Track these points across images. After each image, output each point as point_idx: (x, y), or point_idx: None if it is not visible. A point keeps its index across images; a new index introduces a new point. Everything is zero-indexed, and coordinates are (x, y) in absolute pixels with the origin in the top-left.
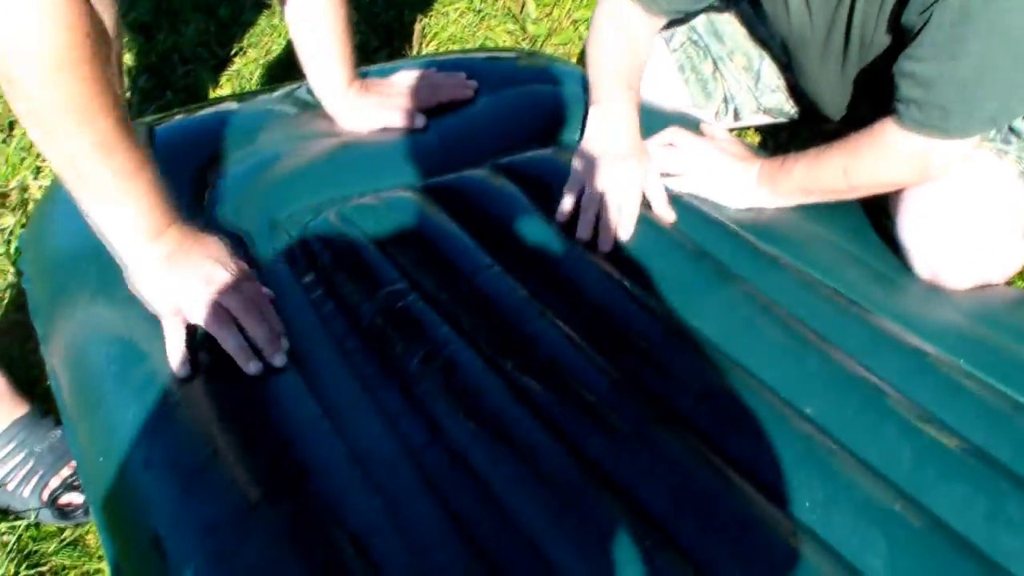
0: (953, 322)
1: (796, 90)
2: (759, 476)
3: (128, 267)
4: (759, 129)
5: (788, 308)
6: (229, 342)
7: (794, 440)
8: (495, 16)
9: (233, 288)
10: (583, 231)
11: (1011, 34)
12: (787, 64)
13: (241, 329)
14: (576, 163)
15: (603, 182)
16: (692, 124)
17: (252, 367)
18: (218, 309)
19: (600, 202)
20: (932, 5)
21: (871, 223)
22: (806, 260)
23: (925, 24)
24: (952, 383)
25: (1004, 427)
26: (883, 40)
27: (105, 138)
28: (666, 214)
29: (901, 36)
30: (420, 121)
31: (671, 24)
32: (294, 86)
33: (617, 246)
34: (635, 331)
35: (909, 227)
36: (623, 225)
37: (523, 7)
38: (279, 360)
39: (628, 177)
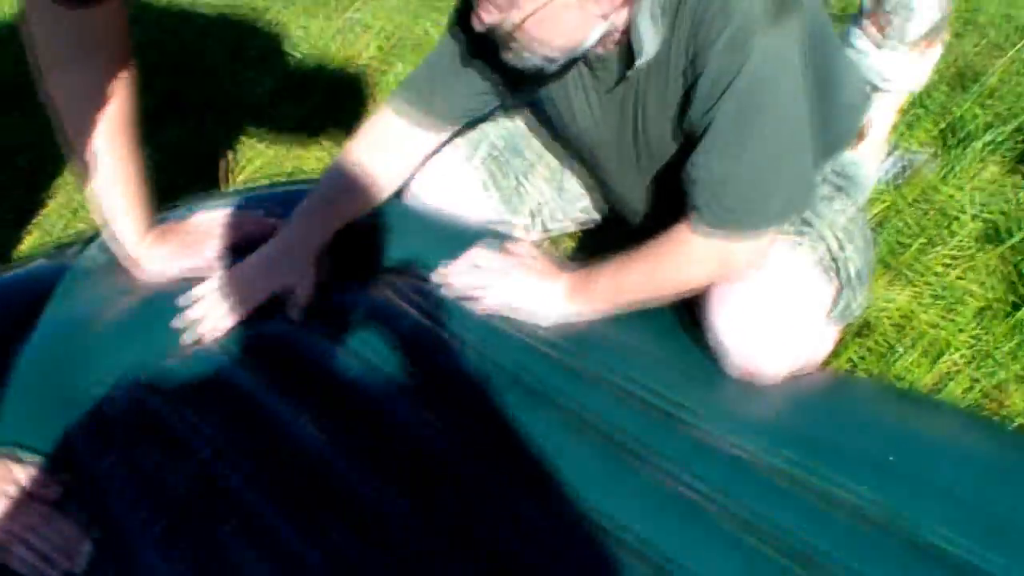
0: (768, 418)
1: (601, 196)
2: None
3: None
4: (570, 236)
5: (605, 425)
6: (15, 564)
7: (619, 565)
8: (305, 142)
9: (15, 511)
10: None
11: (786, 133)
12: (589, 172)
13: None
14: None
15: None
16: (498, 240)
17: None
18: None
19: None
20: (710, 110)
21: (680, 324)
22: (620, 372)
23: (707, 128)
24: (772, 486)
25: (823, 525)
26: (671, 143)
27: None
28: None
29: (688, 140)
30: (220, 266)
31: (471, 139)
32: (90, 238)
33: (430, 379)
34: (448, 467)
35: (717, 325)
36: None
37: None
38: (79, 566)
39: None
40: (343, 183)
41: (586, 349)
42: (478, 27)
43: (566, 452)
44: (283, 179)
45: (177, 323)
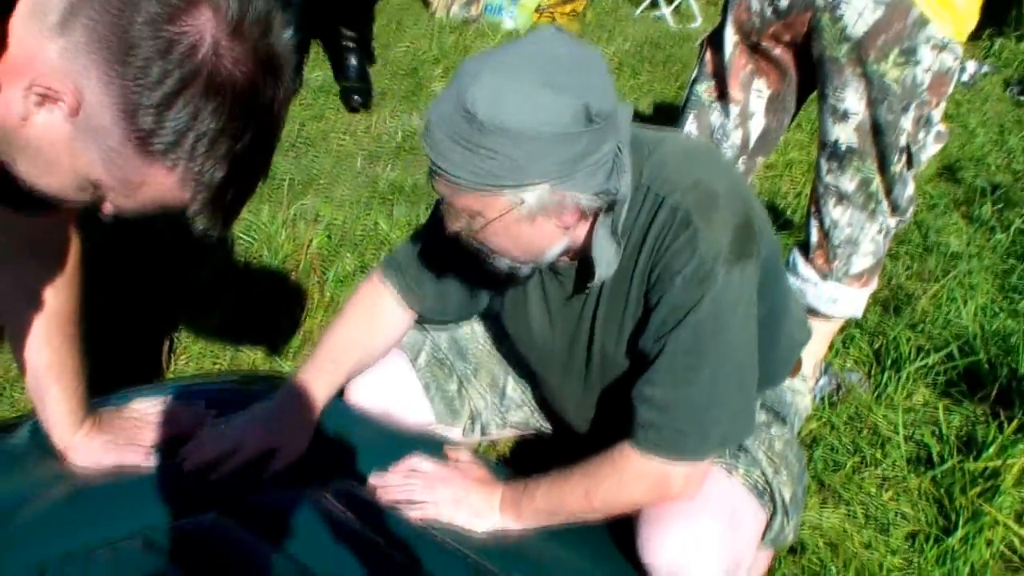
0: None
1: (542, 404)
2: None
3: None
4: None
5: None
6: None
7: None
8: (247, 329)
9: None
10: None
11: (735, 365)
12: (531, 379)
13: None
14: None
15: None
16: (436, 445)
17: None
18: None
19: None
20: (667, 334)
21: (614, 543)
22: None
23: (660, 351)
24: None
25: None
26: (622, 361)
27: None
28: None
29: (639, 359)
30: (155, 458)
31: (414, 340)
32: (23, 421)
33: None
34: None
35: (651, 546)
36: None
37: (274, 322)
38: None
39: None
40: (342, 348)
41: (521, 565)
42: (448, 232)
43: None
44: (222, 370)
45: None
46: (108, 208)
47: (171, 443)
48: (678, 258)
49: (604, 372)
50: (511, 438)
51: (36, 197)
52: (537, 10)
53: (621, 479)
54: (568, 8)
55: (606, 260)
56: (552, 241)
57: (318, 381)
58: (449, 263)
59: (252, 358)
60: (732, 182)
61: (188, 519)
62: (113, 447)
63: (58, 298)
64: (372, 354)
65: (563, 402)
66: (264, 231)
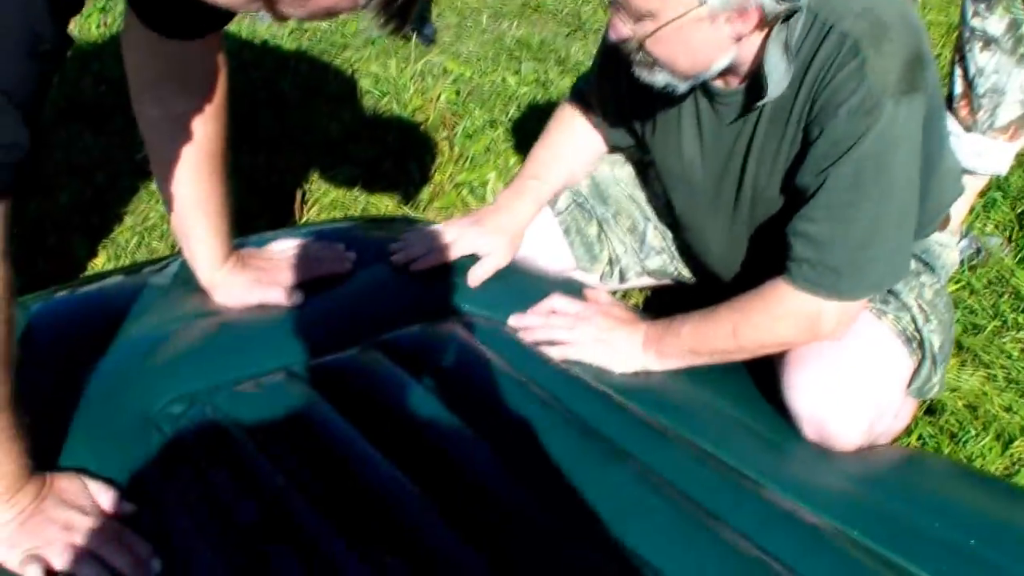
0: (843, 489)
1: (683, 250)
2: None
3: None
4: (641, 291)
5: (679, 485)
6: None
7: None
8: (376, 182)
9: (89, 526)
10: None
11: (896, 204)
12: (673, 223)
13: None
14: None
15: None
16: (575, 289)
17: None
18: (73, 549)
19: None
20: (828, 168)
21: (757, 386)
22: (695, 430)
23: (820, 186)
24: (847, 559)
25: None
26: (774, 196)
27: None
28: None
29: (793, 194)
30: (297, 298)
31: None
32: (169, 259)
33: (505, 426)
34: (523, 516)
35: (796, 389)
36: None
37: (405, 172)
38: None
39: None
40: (544, 165)
41: (664, 405)
42: (611, 38)
43: (641, 508)
44: (355, 216)
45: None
46: (278, 14)
47: (311, 283)
48: (843, 88)
49: (753, 208)
50: (646, 289)
51: (184, 19)
52: None
53: (771, 315)
54: None
55: (776, 77)
56: (721, 51)
57: (524, 196)
58: (608, 90)
59: (382, 209)
60: (903, 12)
61: (329, 356)
62: (256, 285)
63: (206, 131)
64: (573, 171)
65: (706, 243)
66: (392, 84)
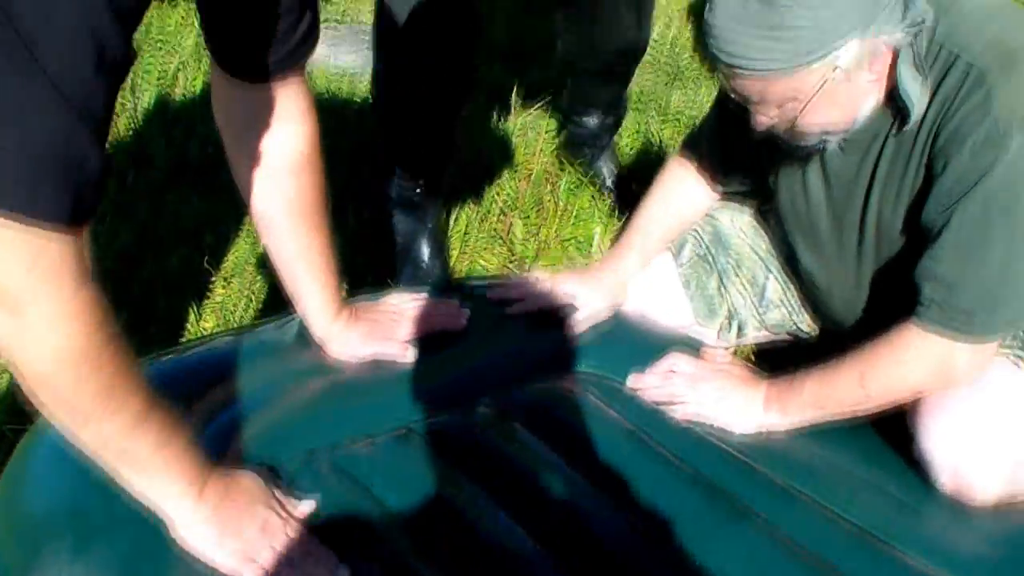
0: (982, 552)
1: (803, 300)
2: None
3: (178, 527)
4: (754, 347)
5: (811, 547)
6: None
7: None
8: (481, 238)
9: (283, 528)
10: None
11: None
12: (794, 271)
13: None
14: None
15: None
16: (693, 347)
17: None
18: (275, 553)
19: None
20: (953, 205)
21: (885, 443)
22: (822, 491)
23: (946, 224)
24: None
25: None
26: (899, 234)
27: (137, 416)
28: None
29: (919, 232)
30: (410, 353)
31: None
32: (285, 319)
33: (632, 486)
34: None
35: (931, 436)
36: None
37: (510, 228)
38: None
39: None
40: (651, 220)
41: (790, 465)
42: (760, 129)
43: (774, 570)
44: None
45: None
46: None
47: (427, 339)
48: (968, 120)
49: (878, 248)
50: (764, 344)
51: (260, 55)
52: None
53: (900, 360)
54: None
55: (915, 94)
56: (866, 96)
57: (629, 252)
58: (734, 143)
59: (488, 268)
60: None
61: (448, 415)
62: (371, 339)
63: (300, 182)
64: (683, 222)
65: (829, 288)
66: (496, 137)
